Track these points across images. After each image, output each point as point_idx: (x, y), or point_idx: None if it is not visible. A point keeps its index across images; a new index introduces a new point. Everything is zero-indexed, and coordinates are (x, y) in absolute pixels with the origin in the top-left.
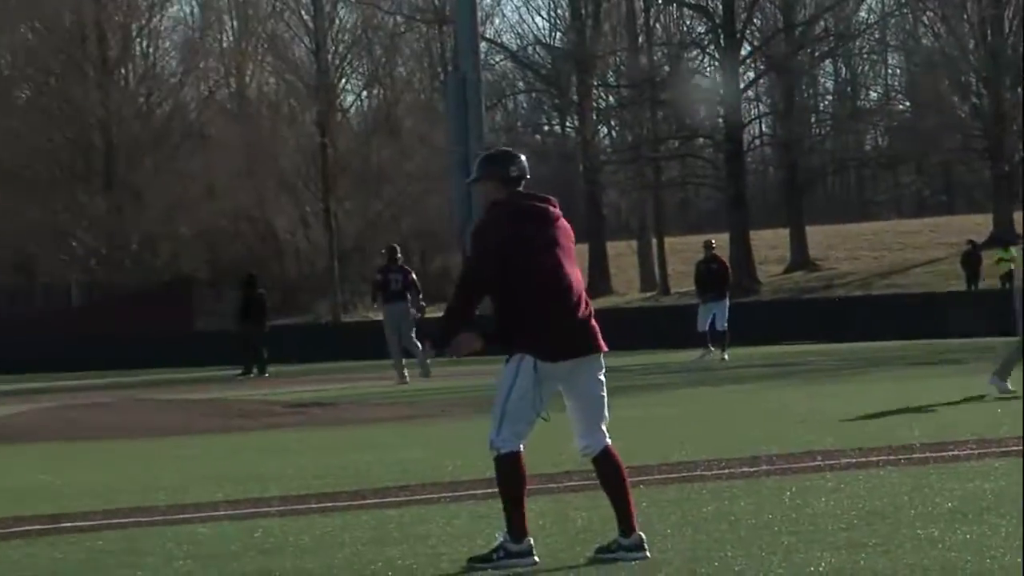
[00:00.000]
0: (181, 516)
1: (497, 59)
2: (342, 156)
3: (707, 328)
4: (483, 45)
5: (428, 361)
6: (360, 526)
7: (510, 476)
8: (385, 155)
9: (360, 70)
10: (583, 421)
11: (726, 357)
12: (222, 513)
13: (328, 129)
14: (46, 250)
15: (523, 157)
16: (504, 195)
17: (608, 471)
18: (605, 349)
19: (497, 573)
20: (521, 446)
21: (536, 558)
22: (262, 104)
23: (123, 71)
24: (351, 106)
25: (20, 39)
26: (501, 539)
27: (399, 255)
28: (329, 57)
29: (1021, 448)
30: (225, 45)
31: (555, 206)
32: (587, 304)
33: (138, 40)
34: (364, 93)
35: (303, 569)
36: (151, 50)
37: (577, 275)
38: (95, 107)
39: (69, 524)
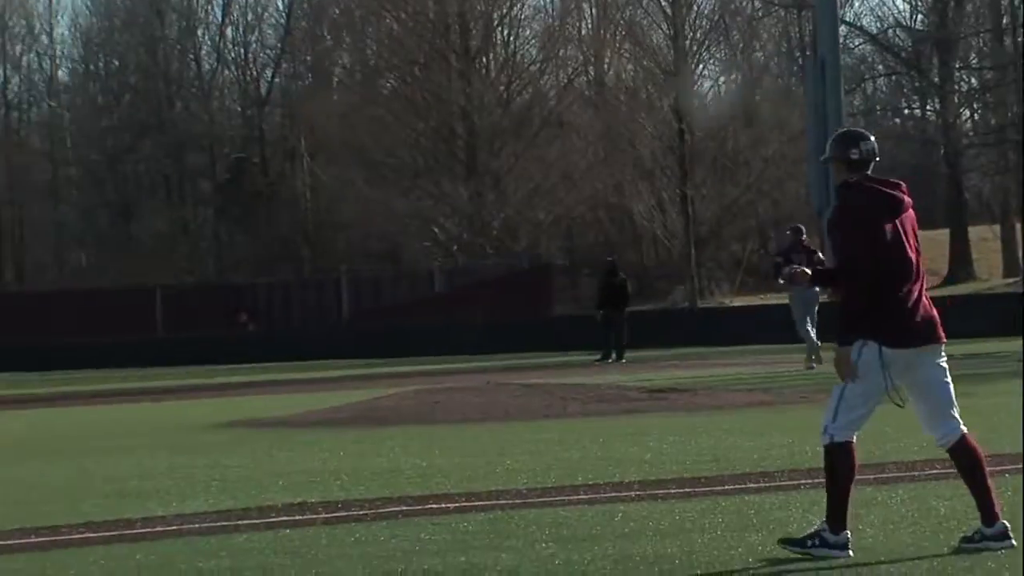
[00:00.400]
0: (542, 499)
1: (856, 42)
2: (699, 142)
3: None
4: (842, 28)
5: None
6: (719, 511)
7: (840, 466)
8: (742, 140)
9: (717, 56)
10: (933, 412)
11: None
12: (582, 497)
13: (685, 115)
14: (411, 238)
15: (870, 138)
16: (851, 177)
17: (965, 461)
18: (944, 340)
19: (808, 562)
20: (854, 437)
21: (851, 552)
22: (619, 91)
23: (484, 60)
24: (708, 92)
25: (386, 29)
26: (818, 526)
27: (804, 235)
28: (687, 43)
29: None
30: (584, 33)
31: (904, 192)
32: (927, 294)
33: (499, 29)
34: (721, 79)
35: (663, 554)
36: (511, 39)
37: (920, 263)
38: (458, 96)
39: (435, 506)
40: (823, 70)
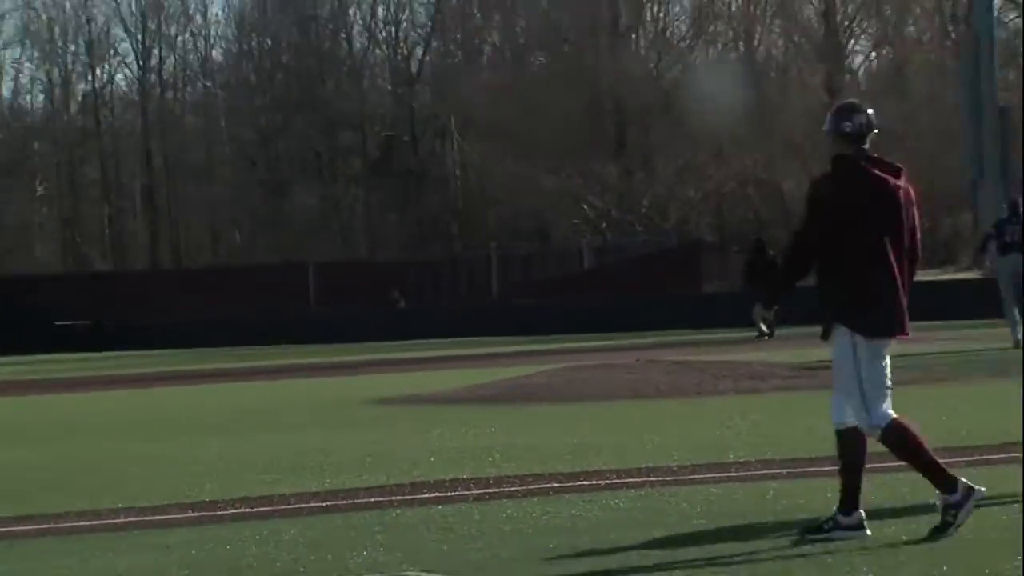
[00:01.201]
0: (693, 476)
1: (1011, 16)
2: None
3: None
4: (996, 1)
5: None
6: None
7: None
8: (894, 115)
9: (869, 31)
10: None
11: None
12: (733, 474)
13: (836, 91)
14: (560, 216)
15: (868, 111)
16: (846, 151)
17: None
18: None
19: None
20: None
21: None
22: (770, 67)
23: (634, 36)
24: (860, 67)
25: (536, 7)
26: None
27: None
28: (838, 18)
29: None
30: (734, 8)
31: (898, 176)
32: (906, 285)
33: (649, 5)
34: (873, 54)
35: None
36: (662, 15)
37: (900, 252)
38: (607, 73)
39: (586, 483)
40: (977, 43)
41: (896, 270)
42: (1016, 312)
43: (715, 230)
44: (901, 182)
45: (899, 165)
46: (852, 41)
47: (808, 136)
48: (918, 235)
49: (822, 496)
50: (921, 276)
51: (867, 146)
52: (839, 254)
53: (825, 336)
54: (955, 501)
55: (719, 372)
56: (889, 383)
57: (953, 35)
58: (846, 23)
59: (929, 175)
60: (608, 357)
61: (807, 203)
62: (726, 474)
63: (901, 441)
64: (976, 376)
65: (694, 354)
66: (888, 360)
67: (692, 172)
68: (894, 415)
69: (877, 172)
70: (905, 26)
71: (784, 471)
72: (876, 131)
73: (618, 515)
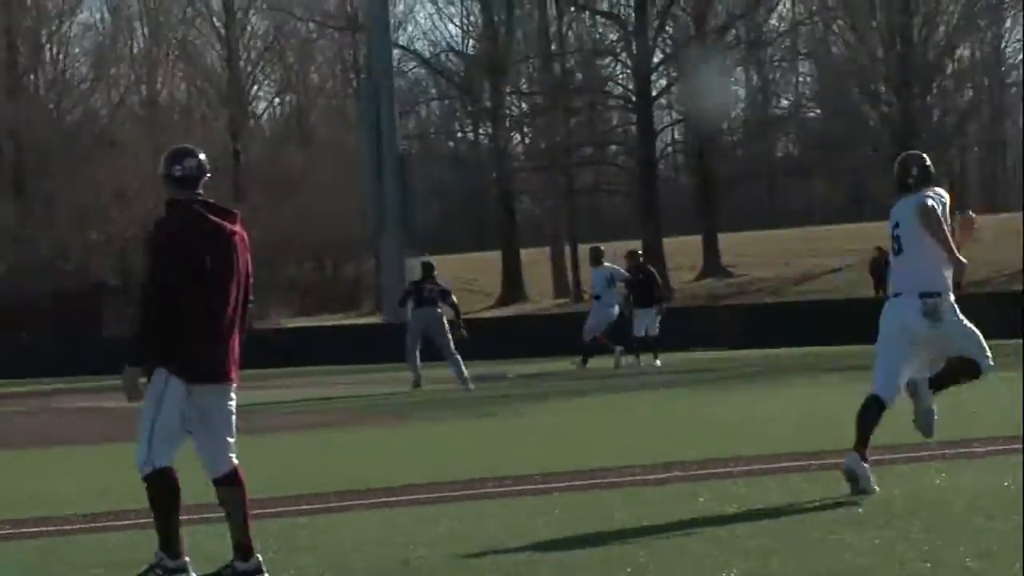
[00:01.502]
0: (93, 525)
1: (410, 66)
2: (254, 162)
3: (643, 334)
4: (396, 52)
5: (466, 374)
6: (270, 535)
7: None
8: (297, 162)
9: (272, 77)
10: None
11: (654, 363)
12: (132, 522)
13: (240, 136)
14: None
15: (199, 156)
16: (178, 195)
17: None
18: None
19: None
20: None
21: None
22: (173, 111)
23: (32, 77)
24: (263, 113)
25: None
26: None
27: (435, 271)
28: (241, 64)
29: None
30: (136, 51)
31: (233, 221)
32: (237, 330)
33: (48, 46)
34: (276, 100)
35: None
36: (61, 56)
37: (233, 297)
38: (5, 114)
39: None
40: (377, 93)
41: (227, 316)
42: (418, 357)
43: (118, 274)
44: (237, 227)
45: (235, 211)
46: (256, 87)
47: (211, 180)
48: (252, 281)
49: (216, 542)
50: (324, 321)
51: (200, 191)
52: (173, 298)
53: (148, 378)
54: (170, 566)
55: (122, 418)
56: (177, 431)
57: (355, 83)
58: (249, 68)
59: (332, 222)
60: (6, 403)
61: (147, 249)
62: (128, 521)
63: (162, 492)
64: (384, 418)
65: (96, 400)
66: (233, 405)
67: (94, 215)
68: (172, 467)
69: (212, 217)
70: (308, 73)
71: (196, 516)
72: (209, 175)
73: (12, 567)
